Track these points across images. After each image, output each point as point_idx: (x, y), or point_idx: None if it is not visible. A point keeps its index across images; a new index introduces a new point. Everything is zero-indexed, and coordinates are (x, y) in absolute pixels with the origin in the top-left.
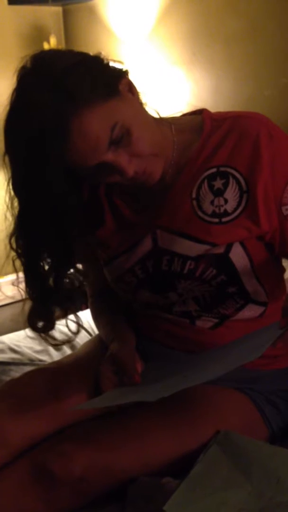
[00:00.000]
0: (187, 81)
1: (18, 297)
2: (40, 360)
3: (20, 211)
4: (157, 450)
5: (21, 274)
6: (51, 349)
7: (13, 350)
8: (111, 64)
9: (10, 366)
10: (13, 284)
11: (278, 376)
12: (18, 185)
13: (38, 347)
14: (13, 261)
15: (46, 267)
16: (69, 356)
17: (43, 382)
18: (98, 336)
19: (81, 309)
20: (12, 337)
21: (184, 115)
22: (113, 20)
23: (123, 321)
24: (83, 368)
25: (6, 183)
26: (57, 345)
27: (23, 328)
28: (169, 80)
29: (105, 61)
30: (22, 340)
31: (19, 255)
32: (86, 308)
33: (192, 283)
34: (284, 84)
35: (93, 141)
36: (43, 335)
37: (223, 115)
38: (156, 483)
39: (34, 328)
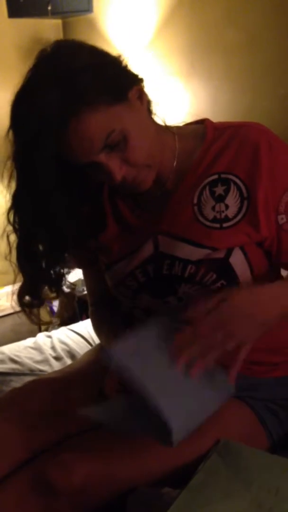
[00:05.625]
0: (186, 92)
1: (19, 308)
2: (41, 370)
3: (14, 194)
4: (156, 460)
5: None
6: (51, 359)
7: (13, 361)
8: (129, 68)
9: (10, 377)
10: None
11: (278, 384)
12: (16, 165)
13: (39, 358)
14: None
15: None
16: (70, 365)
17: (45, 392)
18: (99, 345)
19: (82, 319)
20: (12, 348)
21: (186, 124)
22: (112, 32)
23: (125, 330)
24: (84, 378)
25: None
26: (41, 324)
27: (23, 338)
28: (168, 91)
29: (124, 64)
30: (22, 350)
31: (15, 230)
32: (87, 318)
33: (192, 287)
34: (282, 95)
35: (87, 143)
36: (27, 310)
37: (225, 124)
38: (156, 493)
39: (21, 303)
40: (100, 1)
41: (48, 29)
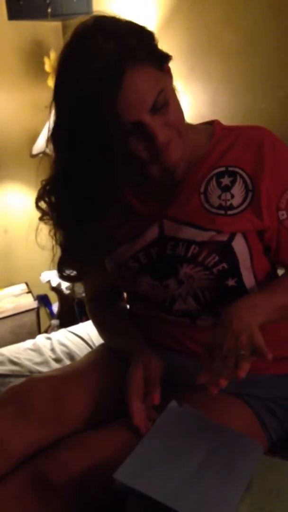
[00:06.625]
0: (185, 94)
1: (18, 310)
2: (40, 372)
3: (64, 157)
4: None
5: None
6: (51, 361)
7: (12, 362)
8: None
9: (9, 378)
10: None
11: (277, 383)
12: (66, 132)
13: (38, 359)
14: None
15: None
16: (70, 365)
17: (44, 389)
18: (99, 347)
19: (82, 321)
20: (11, 349)
21: (196, 124)
22: None
23: (133, 328)
24: (84, 377)
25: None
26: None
27: (23, 340)
28: None
29: (156, 41)
30: (22, 352)
31: (52, 206)
32: (87, 320)
33: (194, 268)
34: (281, 96)
35: (140, 96)
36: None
37: (232, 126)
38: None
39: (62, 276)
40: (99, 4)
41: (48, 31)
